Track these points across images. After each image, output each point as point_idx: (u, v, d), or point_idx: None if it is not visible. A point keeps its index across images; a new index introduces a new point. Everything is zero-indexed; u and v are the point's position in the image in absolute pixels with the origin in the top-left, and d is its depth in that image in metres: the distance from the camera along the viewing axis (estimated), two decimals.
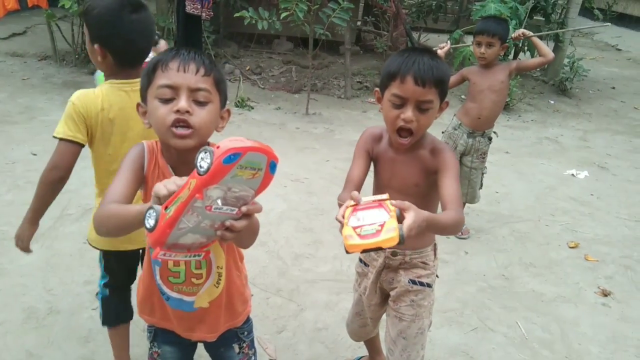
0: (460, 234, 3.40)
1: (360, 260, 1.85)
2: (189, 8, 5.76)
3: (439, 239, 2.61)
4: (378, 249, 1.18)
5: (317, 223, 3.42)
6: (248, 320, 1.52)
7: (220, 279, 1.33)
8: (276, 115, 5.68)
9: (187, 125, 1.16)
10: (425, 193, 1.60)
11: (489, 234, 3.50)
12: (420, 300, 1.72)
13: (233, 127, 5.07)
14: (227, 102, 1.34)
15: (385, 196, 1.27)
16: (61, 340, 2.18)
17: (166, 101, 1.17)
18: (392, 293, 1.76)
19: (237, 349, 1.50)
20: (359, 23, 8.19)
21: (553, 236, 3.55)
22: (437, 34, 8.65)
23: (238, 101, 5.72)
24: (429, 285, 1.72)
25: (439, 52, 3.31)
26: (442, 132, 3.48)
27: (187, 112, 1.15)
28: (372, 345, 2.16)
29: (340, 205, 1.29)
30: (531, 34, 3.38)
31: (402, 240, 1.14)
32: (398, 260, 1.70)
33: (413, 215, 1.20)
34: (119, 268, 1.85)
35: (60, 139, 1.57)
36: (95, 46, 1.58)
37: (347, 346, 2.35)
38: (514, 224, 3.67)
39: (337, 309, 2.60)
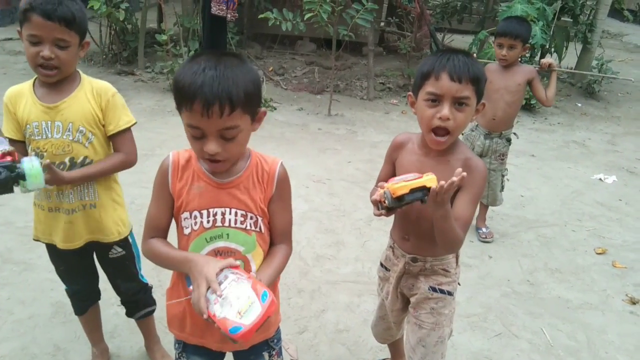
0: (484, 237, 3.36)
1: (382, 264, 1.84)
2: (215, 9, 5.82)
3: (463, 243, 2.57)
4: (422, 189, 1.29)
5: (339, 224, 3.42)
6: (278, 329, 1.52)
7: None
8: (299, 116, 5.69)
9: (218, 161, 1.20)
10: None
11: (514, 238, 3.45)
12: (441, 308, 1.68)
13: None
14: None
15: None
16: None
17: (196, 138, 1.17)
18: (412, 299, 1.73)
19: (267, 357, 1.50)
20: (382, 24, 8.16)
21: (580, 242, 3.48)
22: (461, 35, 8.57)
23: (261, 102, 5.75)
24: (449, 293, 1.69)
25: None
26: (462, 134, 3.45)
27: (217, 153, 1.17)
28: (396, 348, 2.15)
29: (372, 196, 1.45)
30: (556, 67, 3.29)
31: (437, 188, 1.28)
32: (418, 267, 1.67)
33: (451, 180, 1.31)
34: (55, 260, 1.89)
35: (130, 127, 1.75)
36: None
37: (368, 348, 2.35)
38: (539, 229, 3.60)
39: (359, 311, 2.59)
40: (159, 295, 2.48)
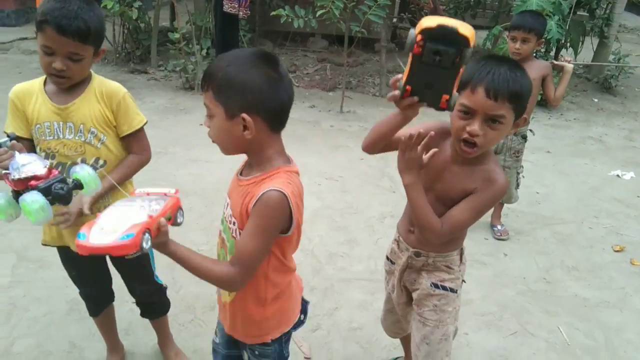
0: (499, 235, 3.32)
1: (387, 257, 1.83)
2: (227, 7, 5.83)
3: (478, 240, 2.56)
4: (455, 37, 1.07)
5: (352, 222, 3.40)
6: (264, 345, 1.43)
7: (231, 293, 1.37)
8: (310, 113, 5.68)
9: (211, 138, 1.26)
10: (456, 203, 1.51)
11: (529, 235, 3.40)
12: (444, 305, 1.66)
13: None
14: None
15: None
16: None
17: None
18: (414, 295, 1.71)
19: (246, 357, 1.48)
20: (395, 20, 8.10)
21: (597, 239, 3.42)
22: (475, 30, 8.47)
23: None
24: (452, 290, 1.66)
25: None
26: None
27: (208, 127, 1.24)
28: (409, 345, 2.13)
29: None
30: (571, 69, 3.18)
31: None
32: (421, 262, 1.66)
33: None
34: (67, 264, 1.91)
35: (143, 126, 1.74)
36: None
37: (382, 346, 2.33)
38: (555, 226, 3.55)
39: (372, 309, 2.57)
40: (172, 292, 2.50)
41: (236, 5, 5.76)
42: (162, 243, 1.12)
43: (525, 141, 3.22)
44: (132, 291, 2.00)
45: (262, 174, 1.23)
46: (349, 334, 2.40)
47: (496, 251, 3.18)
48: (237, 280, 1.22)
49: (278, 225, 1.21)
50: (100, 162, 1.68)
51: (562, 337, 2.48)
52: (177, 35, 5.73)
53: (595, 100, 6.81)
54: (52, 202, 1.24)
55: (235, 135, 1.19)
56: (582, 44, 6.93)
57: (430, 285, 1.65)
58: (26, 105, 1.63)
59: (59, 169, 1.65)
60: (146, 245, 1.03)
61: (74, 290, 2.40)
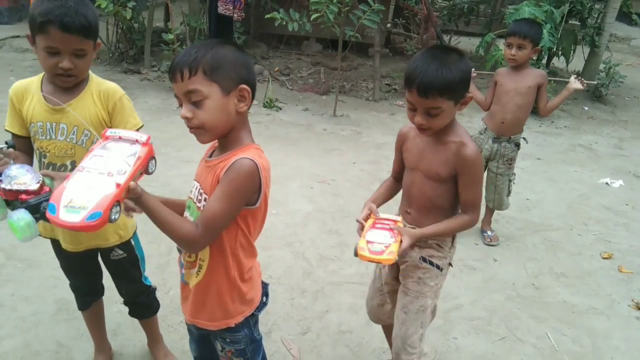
0: (489, 240, 3.34)
1: None
2: (221, 9, 5.84)
3: (468, 245, 2.56)
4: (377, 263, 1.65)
5: (343, 225, 3.41)
6: (232, 331, 1.45)
7: (200, 271, 1.37)
8: (304, 116, 5.69)
9: (194, 127, 1.26)
10: (446, 181, 1.68)
11: (519, 241, 3.43)
12: (427, 279, 1.78)
13: (261, 128, 5.10)
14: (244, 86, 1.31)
15: (398, 218, 1.72)
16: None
17: (179, 106, 1.28)
18: (402, 267, 1.82)
19: (219, 346, 1.50)
20: (389, 25, 8.15)
21: (586, 246, 3.45)
22: (468, 37, 8.55)
23: (266, 102, 5.76)
24: (438, 267, 1.78)
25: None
26: (471, 137, 3.43)
27: (187, 117, 1.25)
28: (391, 336, 2.10)
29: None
30: (574, 89, 3.15)
31: (396, 260, 1.56)
32: None
33: (407, 240, 1.60)
34: (58, 256, 1.88)
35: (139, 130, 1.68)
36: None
37: (371, 350, 2.33)
38: (545, 232, 3.58)
39: (362, 312, 2.56)
40: (162, 293, 2.48)
41: (231, 8, 5.77)
42: (134, 200, 1.13)
43: (519, 149, 3.26)
44: (119, 290, 1.99)
45: (233, 150, 1.30)
46: (339, 337, 2.40)
47: (486, 256, 3.20)
48: (198, 241, 1.24)
49: (246, 192, 1.26)
50: None
51: (550, 343, 2.50)
52: (171, 36, 5.73)
53: (586, 108, 6.88)
54: (38, 219, 1.25)
55: (229, 110, 1.27)
56: (574, 52, 7.02)
57: (419, 259, 1.77)
58: (22, 103, 1.63)
59: (50, 169, 1.64)
60: (115, 216, 1.05)
61: (62, 290, 2.39)
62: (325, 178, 4.10)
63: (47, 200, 1.16)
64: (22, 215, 1.22)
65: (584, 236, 3.59)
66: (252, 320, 1.48)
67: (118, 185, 1.04)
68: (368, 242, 1.58)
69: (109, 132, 1.16)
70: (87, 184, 1.04)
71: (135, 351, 2.18)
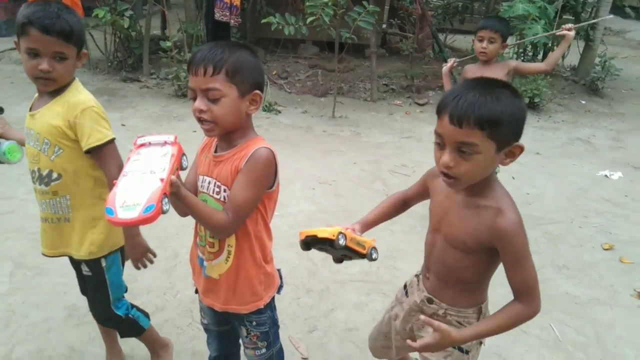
0: None
1: (405, 286, 1.69)
2: (218, 15, 5.88)
3: None
4: (325, 242, 1.47)
5: (346, 225, 3.43)
6: (259, 313, 1.54)
7: (229, 257, 1.44)
8: (303, 118, 5.73)
9: (205, 120, 1.33)
10: (474, 252, 1.35)
11: None
12: None
13: (261, 131, 5.10)
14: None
15: (372, 242, 1.58)
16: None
17: (193, 100, 1.34)
18: (419, 342, 1.51)
19: (245, 332, 1.58)
20: (384, 26, 8.19)
21: (586, 238, 3.49)
22: (463, 35, 8.59)
23: (265, 105, 5.79)
24: (461, 350, 1.46)
25: (444, 69, 3.29)
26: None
27: (201, 110, 1.31)
28: None
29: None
30: (571, 37, 3.20)
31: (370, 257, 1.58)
32: (432, 310, 1.51)
33: (434, 338, 1.28)
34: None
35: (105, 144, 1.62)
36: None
37: None
38: (546, 226, 3.62)
39: (367, 309, 2.61)
40: (169, 297, 2.52)
41: (227, 13, 5.81)
42: (175, 194, 1.20)
43: None
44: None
45: (243, 144, 1.38)
46: (345, 335, 2.43)
47: None
48: (229, 227, 1.34)
49: (268, 178, 1.38)
50: (54, 175, 1.65)
51: (554, 334, 2.53)
52: (168, 44, 5.77)
53: (583, 102, 6.92)
54: None
55: (241, 112, 1.35)
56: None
57: None
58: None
59: (30, 175, 1.71)
60: (166, 207, 1.12)
61: (72, 296, 2.43)
62: (326, 179, 4.14)
63: None
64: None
65: (585, 228, 3.62)
66: (273, 303, 1.58)
67: (162, 180, 1.12)
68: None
69: (139, 140, 1.24)
70: (134, 184, 1.12)
71: (145, 354, 2.21)
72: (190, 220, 1.41)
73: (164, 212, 1.11)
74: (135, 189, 1.10)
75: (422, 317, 1.35)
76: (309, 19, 5.16)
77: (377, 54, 6.73)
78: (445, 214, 1.39)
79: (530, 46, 6.86)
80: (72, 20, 1.55)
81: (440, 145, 1.25)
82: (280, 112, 5.83)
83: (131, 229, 1.67)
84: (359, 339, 2.40)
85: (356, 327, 2.48)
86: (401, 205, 1.66)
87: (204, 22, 6.58)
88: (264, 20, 5.35)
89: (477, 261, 1.36)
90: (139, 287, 2.60)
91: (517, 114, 1.21)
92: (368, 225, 1.61)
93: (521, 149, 1.25)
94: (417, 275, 1.64)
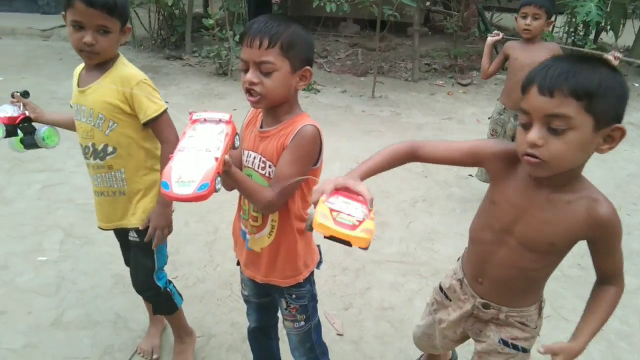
0: None
1: (442, 289, 1.58)
2: None
3: None
4: (346, 244, 1.01)
5: (383, 205, 3.43)
6: (299, 287, 1.56)
7: (272, 231, 1.47)
8: (342, 98, 5.70)
9: (254, 93, 1.33)
10: (556, 253, 1.27)
11: None
12: None
13: None
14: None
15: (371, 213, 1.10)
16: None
17: (244, 71, 1.34)
18: (477, 347, 1.48)
19: (284, 304, 1.60)
20: (428, 3, 7.99)
21: (635, 226, 3.35)
22: (510, 14, 8.25)
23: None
24: (524, 350, 1.41)
25: (488, 40, 3.17)
26: (488, 119, 3.38)
27: (253, 82, 1.31)
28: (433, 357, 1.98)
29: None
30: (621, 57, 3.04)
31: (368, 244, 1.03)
32: (490, 314, 1.41)
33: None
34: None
35: (161, 114, 1.68)
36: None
37: (413, 326, 2.36)
38: None
39: (403, 290, 2.61)
40: (210, 269, 2.59)
41: None
42: (225, 172, 1.22)
43: None
44: (131, 277, 1.95)
45: (289, 120, 1.39)
46: (381, 313, 2.45)
47: None
48: (275, 203, 1.36)
49: (313, 155, 1.38)
50: (109, 149, 1.69)
51: None
52: (211, 22, 5.82)
53: (636, 84, 6.58)
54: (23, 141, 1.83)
55: (290, 86, 1.36)
56: (623, 26, 6.70)
57: (499, 342, 1.40)
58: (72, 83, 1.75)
59: (81, 150, 1.74)
60: (218, 186, 1.15)
61: (118, 266, 2.53)
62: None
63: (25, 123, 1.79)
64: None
65: (633, 216, 3.48)
66: (312, 277, 1.60)
67: (216, 159, 1.15)
68: (332, 210, 1.07)
69: (195, 115, 1.25)
70: (190, 160, 1.14)
71: (189, 322, 2.29)
72: (229, 196, 1.43)
73: (216, 191, 1.13)
74: (191, 166, 1.13)
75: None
76: None
77: (419, 32, 6.58)
78: (522, 215, 1.24)
79: (581, 25, 6.56)
80: None
81: (526, 125, 1.10)
82: (319, 91, 5.81)
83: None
84: (395, 318, 2.41)
85: (392, 307, 2.49)
86: (409, 158, 1.35)
87: (245, 0, 6.59)
88: None
89: (555, 259, 1.28)
90: (181, 259, 2.69)
91: (618, 88, 1.06)
92: (367, 177, 1.30)
93: (622, 132, 1.09)
94: (459, 280, 1.49)
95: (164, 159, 1.65)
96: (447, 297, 1.55)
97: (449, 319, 1.53)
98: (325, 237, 1.03)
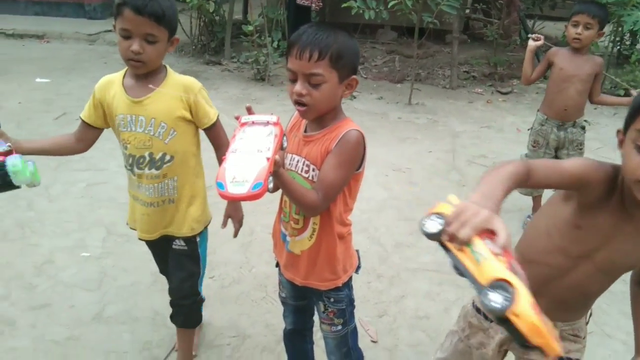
0: None
1: (479, 310, 1.48)
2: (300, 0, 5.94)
3: None
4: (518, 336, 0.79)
5: (419, 213, 3.37)
6: (337, 291, 1.56)
7: (313, 234, 1.48)
8: (378, 105, 5.68)
9: (303, 104, 1.35)
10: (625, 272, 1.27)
11: None
12: None
13: None
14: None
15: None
16: None
17: (292, 81, 1.36)
18: None
19: (322, 307, 1.61)
20: (468, 10, 7.90)
21: None
22: (553, 22, 8.08)
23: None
24: None
25: (530, 44, 3.06)
26: (528, 130, 3.30)
27: (301, 94, 1.33)
28: None
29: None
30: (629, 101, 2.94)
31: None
32: None
33: None
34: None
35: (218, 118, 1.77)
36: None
37: None
38: None
39: (439, 299, 2.57)
40: (245, 271, 2.62)
41: None
42: (274, 172, 1.24)
43: (585, 131, 3.14)
44: (169, 284, 1.95)
45: (334, 125, 1.41)
46: (415, 322, 2.42)
47: None
48: (319, 206, 1.38)
49: (357, 160, 1.40)
50: (167, 157, 1.70)
51: None
52: (250, 28, 5.91)
53: None
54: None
55: (337, 96, 1.39)
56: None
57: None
58: (104, 95, 1.71)
59: (130, 161, 1.71)
60: (270, 185, 1.19)
61: (156, 265, 2.59)
62: (400, 166, 4.09)
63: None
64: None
65: None
66: (350, 282, 1.61)
67: (268, 159, 1.18)
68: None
69: (243, 119, 1.28)
70: (242, 161, 1.17)
71: (222, 322, 2.33)
72: (265, 199, 1.44)
73: (269, 191, 1.16)
74: (244, 166, 1.16)
75: None
76: (391, 3, 5.07)
77: (459, 39, 6.50)
78: (607, 243, 1.20)
79: (628, 34, 6.35)
80: (165, 4, 1.57)
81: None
82: (355, 97, 5.82)
83: None
84: (430, 327, 2.38)
85: (427, 316, 2.46)
86: (522, 184, 1.10)
87: (284, 7, 6.67)
88: (344, 5, 5.32)
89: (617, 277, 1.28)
90: (217, 259, 2.73)
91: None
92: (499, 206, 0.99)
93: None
94: None
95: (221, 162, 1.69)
96: (486, 318, 1.45)
97: (493, 342, 1.43)
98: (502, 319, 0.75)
